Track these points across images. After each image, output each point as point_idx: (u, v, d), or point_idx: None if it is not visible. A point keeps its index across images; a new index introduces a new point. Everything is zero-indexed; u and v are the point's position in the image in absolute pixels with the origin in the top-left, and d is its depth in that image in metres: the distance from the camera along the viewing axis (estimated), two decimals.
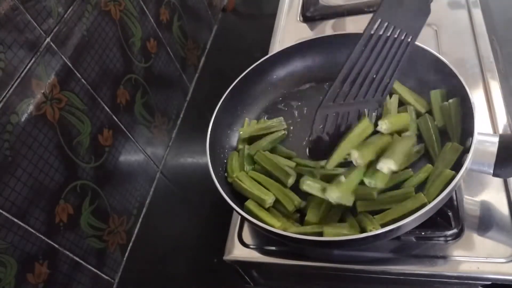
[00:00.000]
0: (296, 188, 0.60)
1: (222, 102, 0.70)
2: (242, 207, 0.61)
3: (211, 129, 0.66)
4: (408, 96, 0.66)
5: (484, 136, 0.53)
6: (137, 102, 0.72)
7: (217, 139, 0.69)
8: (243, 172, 0.66)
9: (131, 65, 0.71)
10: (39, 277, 0.51)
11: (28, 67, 0.51)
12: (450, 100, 0.61)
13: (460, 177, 0.50)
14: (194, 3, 0.93)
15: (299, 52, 0.76)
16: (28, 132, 0.51)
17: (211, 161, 0.62)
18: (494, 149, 0.52)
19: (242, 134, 0.71)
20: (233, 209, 0.57)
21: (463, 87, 0.58)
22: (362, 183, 0.56)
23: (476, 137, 0.52)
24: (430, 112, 0.64)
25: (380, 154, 0.56)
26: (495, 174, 0.53)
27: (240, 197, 0.63)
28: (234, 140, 0.72)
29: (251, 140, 0.70)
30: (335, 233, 0.54)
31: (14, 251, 0.48)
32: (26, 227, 0.49)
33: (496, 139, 0.53)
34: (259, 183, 0.63)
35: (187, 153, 0.87)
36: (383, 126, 0.60)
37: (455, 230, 0.57)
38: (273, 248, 0.64)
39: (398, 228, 0.49)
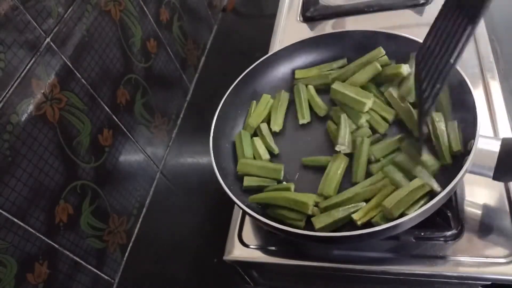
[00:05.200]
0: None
1: (228, 94, 0.70)
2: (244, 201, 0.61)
3: (215, 122, 0.66)
4: None
5: (486, 139, 0.53)
6: (137, 102, 0.72)
7: (221, 132, 0.68)
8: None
9: (131, 65, 0.71)
10: (39, 277, 0.51)
11: (28, 67, 0.51)
12: None
13: (459, 178, 0.49)
14: (194, 3, 0.93)
15: (302, 50, 0.76)
16: (28, 132, 0.51)
17: (214, 154, 0.62)
18: (495, 153, 0.51)
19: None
20: (235, 203, 0.57)
21: (470, 91, 0.57)
22: None
23: (478, 139, 0.52)
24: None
25: None
26: (494, 178, 0.52)
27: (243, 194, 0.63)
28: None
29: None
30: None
31: (14, 251, 0.48)
32: (26, 227, 0.49)
33: (498, 143, 0.52)
34: None
35: (187, 153, 0.87)
36: None
37: (454, 231, 0.57)
38: (273, 248, 0.64)
39: (396, 226, 0.49)
